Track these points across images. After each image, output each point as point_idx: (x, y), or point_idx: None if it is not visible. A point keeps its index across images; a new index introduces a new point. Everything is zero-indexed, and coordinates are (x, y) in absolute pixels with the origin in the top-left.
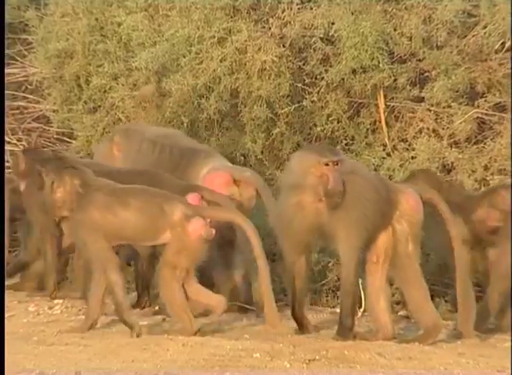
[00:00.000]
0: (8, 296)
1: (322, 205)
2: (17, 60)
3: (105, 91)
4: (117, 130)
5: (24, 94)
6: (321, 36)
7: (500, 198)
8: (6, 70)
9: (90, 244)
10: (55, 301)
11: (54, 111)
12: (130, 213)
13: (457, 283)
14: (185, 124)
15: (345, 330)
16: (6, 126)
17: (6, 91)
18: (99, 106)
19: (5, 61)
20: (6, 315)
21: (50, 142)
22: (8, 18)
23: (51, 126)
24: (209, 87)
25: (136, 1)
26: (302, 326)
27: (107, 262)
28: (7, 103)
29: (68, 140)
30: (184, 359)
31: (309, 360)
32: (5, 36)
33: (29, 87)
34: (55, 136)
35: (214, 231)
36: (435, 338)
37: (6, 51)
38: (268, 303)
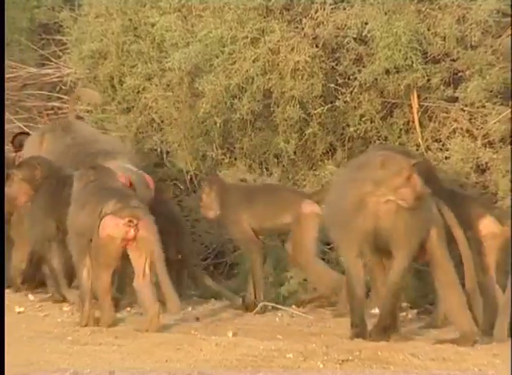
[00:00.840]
0: (42, 296)
1: (389, 207)
2: (52, 61)
3: (139, 92)
4: (47, 128)
5: (58, 95)
6: (355, 36)
7: None
8: (41, 71)
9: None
10: None
11: (88, 111)
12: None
13: (468, 285)
14: (218, 124)
15: (381, 330)
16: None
17: (41, 92)
18: (132, 107)
19: (40, 62)
20: (41, 314)
21: None
22: (42, 19)
23: None
24: (242, 87)
25: (169, 1)
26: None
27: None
28: (42, 103)
29: None
30: (217, 359)
31: (342, 361)
32: (40, 36)
33: (63, 87)
34: None
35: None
36: (472, 343)
37: (41, 52)
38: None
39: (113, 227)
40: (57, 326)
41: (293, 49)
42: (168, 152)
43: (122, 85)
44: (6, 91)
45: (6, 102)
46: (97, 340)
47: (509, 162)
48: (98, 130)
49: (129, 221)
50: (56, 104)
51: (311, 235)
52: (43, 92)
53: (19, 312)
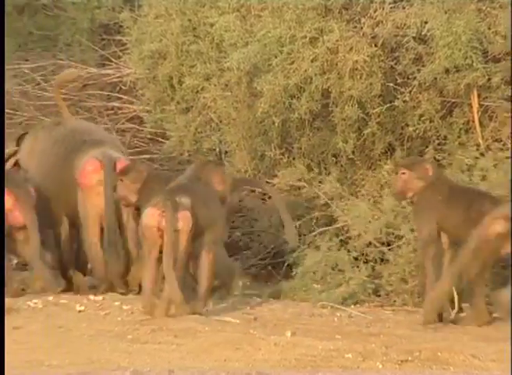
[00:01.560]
0: (103, 295)
1: None
2: (112, 61)
3: (197, 92)
4: (40, 126)
5: (118, 95)
6: (414, 35)
7: None
8: (102, 71)
9: None
10: None
11: (147, 111)
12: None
13: None
14: (276, 124)
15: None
16: (100, 126)
17: (101, 92)
18: (191, 106)
19: (100, 62)
20: (102, 313)
21: (143, 142)
22: (103, 19)
23: (145, 127)
24: (300, 87)
25: (228, 1)
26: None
27: None
28: (102, 103)
29: (161, 140)
30: (276, 359)
31: (401, 361)
32: (101, 37)
33: (123, 87)
34: (148, 136)
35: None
36: None
37: (101, 52)
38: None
39: (149, 218)
40: (117, 324)
41: (351, 49)
42: (226, 152)
43: (181, 85)
44: (68, 91)
45: (67, 102)
46: (157, 339)
47: None
48: (88, 122)
49: (163, 212)
50: (116, 104)
51: None
52: (103, 92)
53: (79, 311)
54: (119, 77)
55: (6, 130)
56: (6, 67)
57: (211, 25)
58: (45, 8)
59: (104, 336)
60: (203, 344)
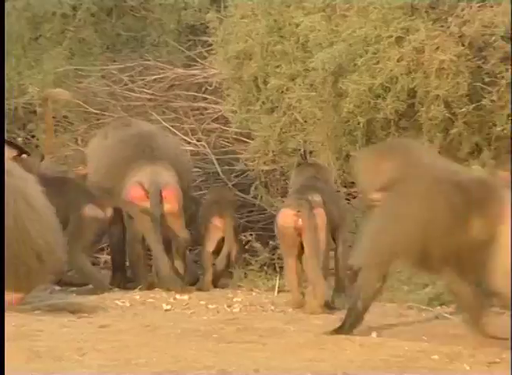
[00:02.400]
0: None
1: None
2: (198, 62)
3: (283, 92)
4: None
5: (204, 95)
6: (502, 34)
7: None
8: (188, 72)
9: None
10: (234, 299)
11: (233, 111)
12: None
13: None
14: (361, 124)
15: None
16: (186, 126)
17: (187, 92)
18: (276, 107)
19: (187, 62)
20: (188, 312)
21: (228, 142)
22: (189, 20)
23: (230, 127)
24: (386, 86)
25: (314, 1)
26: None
27: None
28: (187, 104)
29: (246, 140)
30: (362, 360)
31: (490, 363)
32: (187, 38)
33: (209, 88)
34: (234, 136)
35: None
36: None
37: (188, 53)
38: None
39: (285, 218)
40: (203, 323)
41: (438, 48)
42: (311, 152)
43: (266, 85)
44: (154, 92)
45: (153, 103)
46: (243, 338)
47: None
48: (157, 127)
49: (298, 211)
50: (202, 104)
51: None
52: (189, 93)
53: (166, 310)
54: (204, 78)
55: (95, 131)
56: (94, 68)
57: (297, 25)
58: (133, 10)
59: (190, 335)
60: (288, 343)
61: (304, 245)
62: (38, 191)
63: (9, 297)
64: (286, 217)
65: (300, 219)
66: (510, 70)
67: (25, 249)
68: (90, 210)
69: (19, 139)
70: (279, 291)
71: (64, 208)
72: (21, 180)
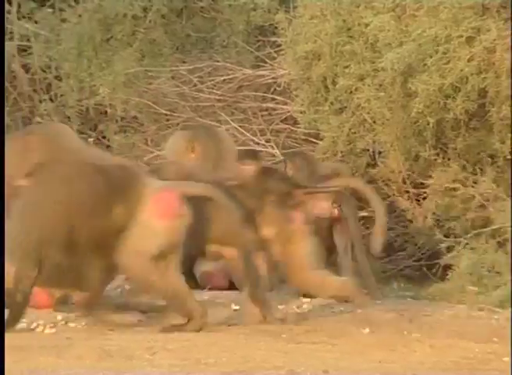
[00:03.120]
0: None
1: None
2: (266, 62)
3: (351, 92)
4: (196, 132)
5: (273, 96)
6: None
7: None
8: (256, 72)
9: None
10: (303, 299)
11: (301, 112)
12: None
13: None
14: (431, 124)
15: None
16: (255, 127)
17: (256, 93)
18: (345, 107)
19: (255, 63)
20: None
21: (297, 143)
22: (258, 21)
23: (299, 127)
24: (456, 87)
25: (383, 1)
26: None
27: None
28: (256, 105)
29: (314, 140)
30: (432, 361)
31: None
32: (256, 38)
33: (277, 88)
34: (302, 137)
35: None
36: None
37: (257, 54)
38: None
39: (320, 208)
40: (272, 324)
41: (509, 48)
42: (380, 153)
43: (335, 86)
44: (223, 93)
45: (222, 104)
46: (312, 339)
47: None
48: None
49: (334, 202)
50: (270, 105)
51: None
52: (258, 93)
53: (235, 310)
54: (273, 78)
55: (164, 131)
56: (164, 69)
57: (366, 25)
58: (202, 11)
59: (259, 335)
60: (357, 344)
61: (352, 236)
62: None
63: (80, 296)
64: (322, 207)
65: (336, 210)
66: None
67: None
68: None
69: (90, 140)
70: None
71: None
72: None
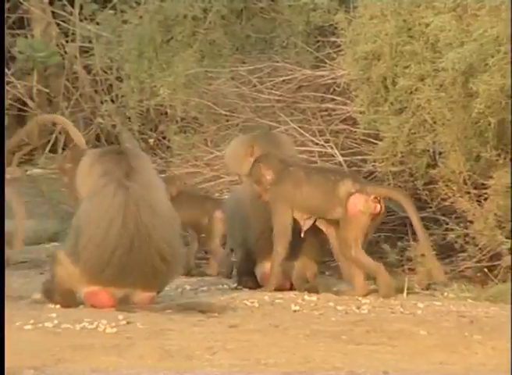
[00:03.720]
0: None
1: None
2: (326, 63)
3: (411, 93)
4: (254, 138)
5: (332, 96)
6: None
7: None
8: (316, 73)
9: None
10: (363, 300)
11: (360, 112)
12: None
13: None
14: (492, 125)
15: None
16: (314, 127)
17: (315, 93)
18: (405, 107)
19: (315, 63)
20: (317, 313)
21: (356, 144)
22: (318, 21)
23: (358, 128)
24: None
25: (444, 1)
26: None
27: None
28: (315, 105)
29: (374, 141)
30: (494, 363)
31: None
32: (316, 39)
33: (337, 89)
34: (362, 137)
35: (378, 206)
36: None
37: (316, 54)
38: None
39: (363, 204)
40: (332, 325)
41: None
42: (440, 153)
43: (394, 86)
44: (282, 93)
45: (282, 104)
46: (371, 340)
47: None
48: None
49: (375, 198)
50: (330, 105)
51: None
52: (317, 94)
53: (294, 311)
54: (333, 79)
55: (224, 132)
56: (224, 70)
57: (427, 25)
58: (262, 12)
59: (318, 336)
60: (417, 346)
61: (415, 228)
62: (163, 198)
63: (140, 296)
64: (364, 202)
65: (378, 205)
66: None
67: (150, 252)
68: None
69: (151, 140)
70: (408, 293)
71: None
72: (144, 188)
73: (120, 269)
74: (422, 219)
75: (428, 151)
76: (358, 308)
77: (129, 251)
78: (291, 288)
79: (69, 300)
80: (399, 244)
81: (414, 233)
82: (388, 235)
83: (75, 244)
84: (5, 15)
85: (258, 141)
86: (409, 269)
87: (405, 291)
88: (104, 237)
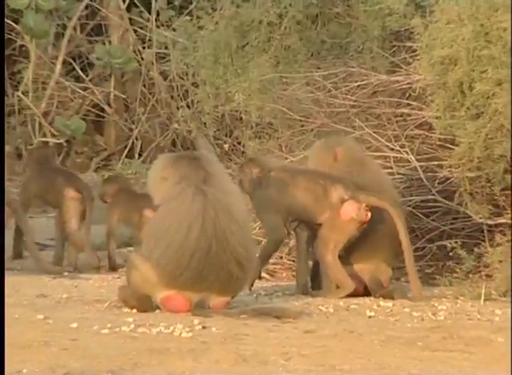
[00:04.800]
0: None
1: None
2: (401, 68)
3: (488, 97)
4: (338, 141)
5: (408, 101)
6: None
7: None
8: (391, 78)
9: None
10: (439, 307)
11: (436, 117)
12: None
13: None
14: None
15: None
16: (389, 132)
17: (391, 99)
18: (482, 112)
19: (390, 68)
20: (392, 319)
21: (432, 149)
22: (394, 26)
23: (434, 133)
24: None
25: None
26: None
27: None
28: (391, 110)
29: (450, 146)
30: None
31: None
32: (391, 44)
33: (412, 94)
34: (438, 142)
35: (369, 214)
36: None
37: (392, 59)
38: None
39: (355, 211)
40: (407, 331)
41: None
42: None
43: (471, 91)
44: (358, 98)
45: (357, 109)
46: (448, 346)
47: None
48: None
49: (367, 206)
50: (405, 110)
51: None
52: (392, 99)
53: (369, 317)
54: (408, 84)
55: (299, 137)
56: (299, 75)
57: (504, 29)
58: (338, 17)
59: (394, 342)
60: (495, 353)
61: (401, 240)
62: (240, 203)
63: (216, 301)
64: (357, 210)
65: (369, 214)
66: None
67: (226, 257)
68: None
69: (226, 146)
70: (485, 300)
71: None
72: (221, 193)
73: (198, 273)
74: (499, 225)
75: (505, 156)
76: (434, 314)
77: (207, 255)
78: (365, 293)
79: (145, 304)
80: (475, 250)
81: (491, 239)
82: (464, 241)
83: (152, 249)
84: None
85: (342, 144)
86: (486, 275)
87: (482, 298)
88: (183, 242)
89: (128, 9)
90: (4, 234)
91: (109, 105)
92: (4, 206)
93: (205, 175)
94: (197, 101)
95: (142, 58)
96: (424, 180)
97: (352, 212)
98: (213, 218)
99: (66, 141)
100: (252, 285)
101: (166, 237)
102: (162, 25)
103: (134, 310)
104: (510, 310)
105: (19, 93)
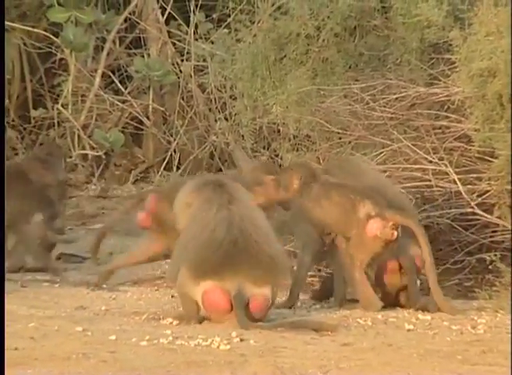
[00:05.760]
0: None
1: None
2: (440, 80)
3: None
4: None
5: (446, 114)
6: None
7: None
8: (430, 90)
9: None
10: (478, 320)
11: (475, 130)
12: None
13: None
14: None
15: None
16: (427, 145)
17: (429, 111)
18: None
19: (429, 81)
20: (431, 332)
21: (471, 161)
22: (432, 38)
23: (473, 146)
24: None
25: None
26: None
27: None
28: (429, 123)
29: (489, 159)
30: None
31: None
32: (430, 56)
33: (451, 106)
34: (476, 155)
35: (395, 233)
36: None
37: (430, 71)
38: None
39: (380, 229)
40: (446, 344)
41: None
42: None
43: (511, 103)
44: (396, 111)
45: (395, 122)
46: (487, 360)
47: None
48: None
49: (393, 224)
50: (444, 123)
51: None
52: (431, 111)
53: (408, 330)
54: (447, 96)
55: (336, 149)
56: (336, 88)
57: None
58: (376, 29)
59: (433, 355)
60: None
61: (425, 258)
62: (265, 222)
63: (254, 292)
64: (382, 227)
65: (395, 232)
66: None
67: (254, 248)
68: None
69: (264, 158)
70: None
71: None
72: (246, 210)
73: (227, 260)
74: None
75: None
76: (473, 328)
77: (235, 245)
78: (401, 304)
79: (192, 309)
80: None
81: None
82: (504, 254)
83: (182, 253)
84: (4, 15)
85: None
86: None
87: None
88: (209, 236)
89: (167, 22)
90: (4, 234)
91: (148, 117)
92: (4, 206)
93: (229, 198)
94: (235, 114)
95: (180, 71)
96: (463, 192)
97: (376, 230)
98: (239, 223)
99: (105, 154)
100: (294, 304)
101: (194, 240)
102: (201, 38)
103: (175, 322)
104: (510, 315)
105: (59, 106)
